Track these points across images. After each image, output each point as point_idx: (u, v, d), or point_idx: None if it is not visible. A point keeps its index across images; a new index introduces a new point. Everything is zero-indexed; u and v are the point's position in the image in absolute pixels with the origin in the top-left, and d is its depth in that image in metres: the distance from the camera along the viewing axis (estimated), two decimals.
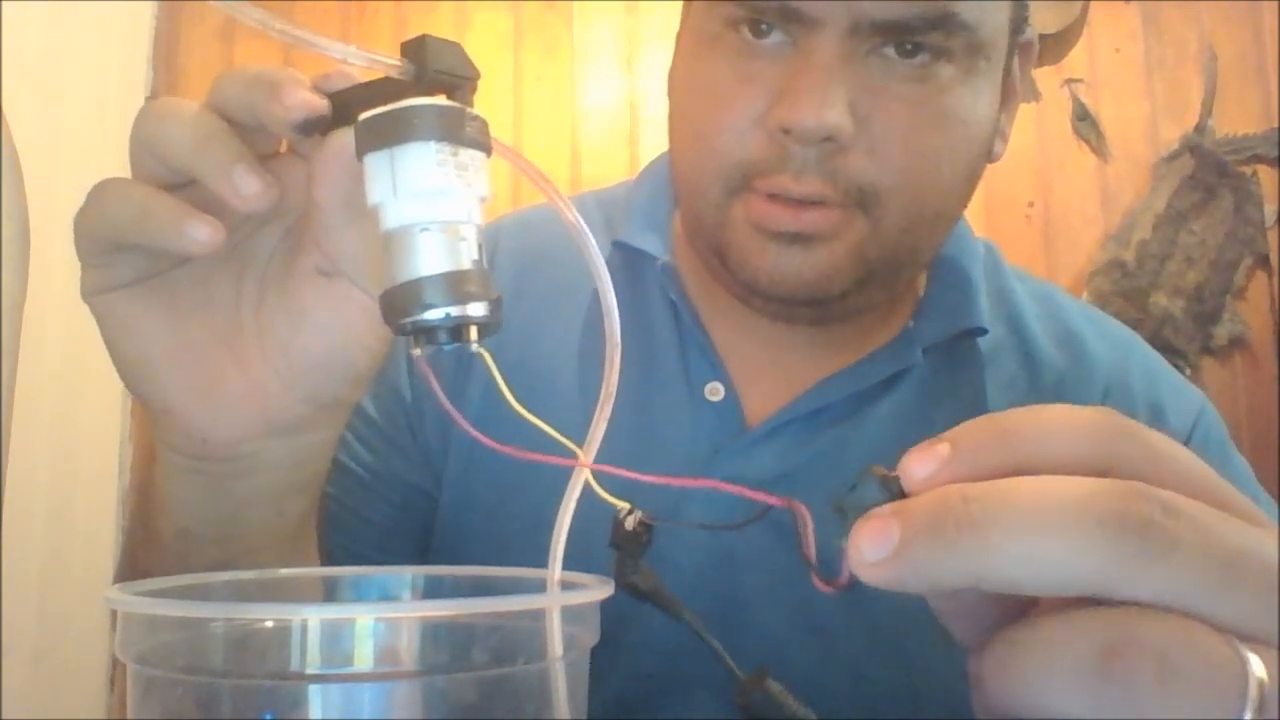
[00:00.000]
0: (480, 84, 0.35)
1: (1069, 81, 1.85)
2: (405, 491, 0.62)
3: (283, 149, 0.40)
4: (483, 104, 0.35)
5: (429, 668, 0.29)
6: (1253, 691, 0.23)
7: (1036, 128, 1.83)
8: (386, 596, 0.39)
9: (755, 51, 0.52)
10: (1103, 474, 0.25)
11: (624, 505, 0.33)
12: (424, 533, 0.62)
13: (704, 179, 0.54)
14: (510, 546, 0.57)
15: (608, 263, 0.62)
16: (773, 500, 0.30)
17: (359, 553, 0.59)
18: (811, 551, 0.29)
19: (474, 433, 0.32)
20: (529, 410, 0.33)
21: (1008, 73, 0.57)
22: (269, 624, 0.29)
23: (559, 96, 1.87)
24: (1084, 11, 1.85)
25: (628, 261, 0.62)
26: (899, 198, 0.52)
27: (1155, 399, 0.62)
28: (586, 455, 0.32)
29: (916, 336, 0.59)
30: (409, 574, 0.39)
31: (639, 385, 0.59)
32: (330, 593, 0.39)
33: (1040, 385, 0.61)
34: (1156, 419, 0.61)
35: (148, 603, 0.29)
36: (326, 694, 0.28)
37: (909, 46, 0.50)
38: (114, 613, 0.30)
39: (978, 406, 0.59)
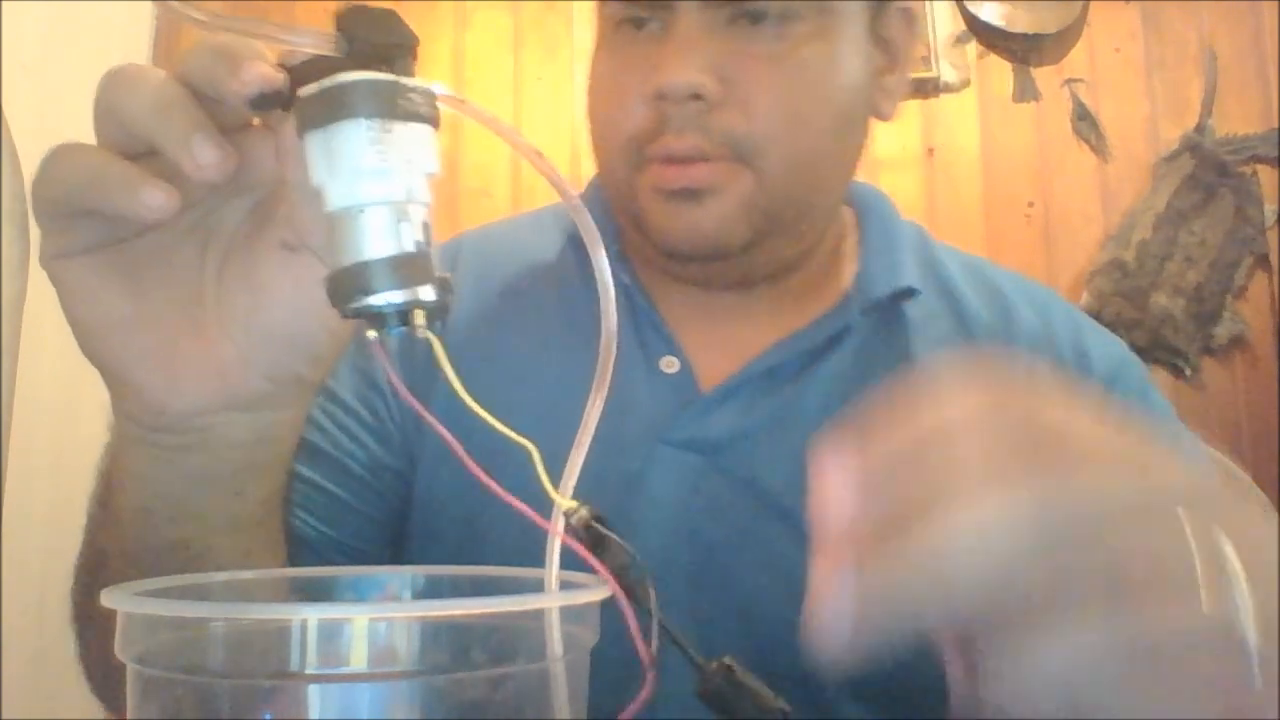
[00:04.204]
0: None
1: (1069, 81, 1.85)
2: (379, 474, 0.62)
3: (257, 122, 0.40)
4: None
5: (428, 668, 0.29)
6: None
7: (1036, 128, 1.83)
8: (386, 597, 0.39)
9: (635, 40, 0.60)
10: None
11: (571, 504, 0.33)
12: (399, 517, 0.63)
13: (611, 160, 0.62)
14: (488, 530, 0.58)
15: (562, 259, 0.65)
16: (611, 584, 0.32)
17: (332, 536, 0.59)
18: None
19: (440, 429, 0.33)
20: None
21: (883, 38, 0.64)
22: (269, 624, 0.29)
23: (559, 96, 1.86)
24: (1084, 11, 1.85)
25: (582, 256, 0.66)
26: (775, 147, 0.58)
27: (1080, 344, 0.67)
28: (566, 481, 0.33)
29: (854, 302, 0.64)
30: (408, 574, 0.39)
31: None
32: (329, 593, 0.39)
33: (971, 339, 0.66)
34: (1081, 362, 0.66)
35: (148, 603, 0.29)
36: (325, 694, 0.28)
37: (759, 16, 0.57)
38: (113, 613, 0.30)
39: (906, 367, 0.64)
